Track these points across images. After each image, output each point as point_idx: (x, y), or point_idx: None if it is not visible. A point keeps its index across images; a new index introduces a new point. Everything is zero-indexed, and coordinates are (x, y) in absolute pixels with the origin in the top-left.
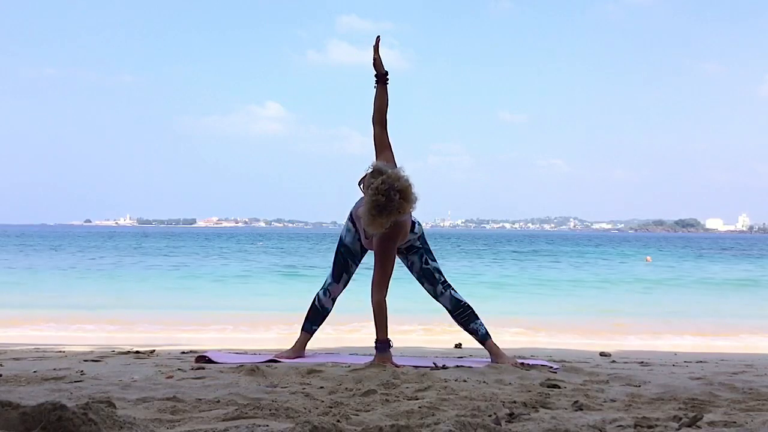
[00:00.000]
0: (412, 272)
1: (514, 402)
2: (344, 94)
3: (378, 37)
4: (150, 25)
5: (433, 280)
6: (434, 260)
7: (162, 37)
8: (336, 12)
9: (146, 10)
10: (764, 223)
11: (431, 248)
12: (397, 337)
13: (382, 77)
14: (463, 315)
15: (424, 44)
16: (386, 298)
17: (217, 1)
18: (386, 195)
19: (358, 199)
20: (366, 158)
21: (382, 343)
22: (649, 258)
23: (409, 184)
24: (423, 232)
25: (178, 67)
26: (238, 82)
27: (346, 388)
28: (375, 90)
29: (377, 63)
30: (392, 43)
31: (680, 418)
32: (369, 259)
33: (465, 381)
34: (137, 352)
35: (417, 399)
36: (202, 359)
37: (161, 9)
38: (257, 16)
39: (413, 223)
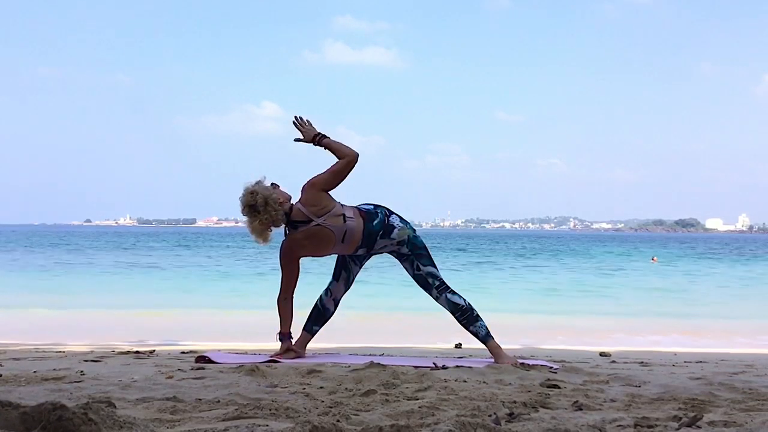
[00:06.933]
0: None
1: (514, 402)
2: (341, 93)
3: (296, 116)
4: (145, 25)
5: (427, 286)
6: (428, 265)
7: (157, 37)
8: (331, 12)
9: (142, 9)
10: (764, 223)
11: (428, 252)
12: (399, 335)
13: (318, 137)
14: (462, 317)
15: (420, 44)
16: (290, 299)
17: (212, 1)
18: (251, 194)
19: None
20: (365, 158)
21: (281, 335)
22: (655, 258)
23: (264, 187)
24: (412, 238)
25: (174, 67)
26: (234, 82)
27: (346, 388)
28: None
29: (308, 132)
30: (388, 43)
31: (680, 418)
32: (377, 260)
33: (465, 381)
34: (137, 352)
35: (417, 399)
36: (202, 359)
37: (157, 8)
38: (253, 16)
39: (392, 227)
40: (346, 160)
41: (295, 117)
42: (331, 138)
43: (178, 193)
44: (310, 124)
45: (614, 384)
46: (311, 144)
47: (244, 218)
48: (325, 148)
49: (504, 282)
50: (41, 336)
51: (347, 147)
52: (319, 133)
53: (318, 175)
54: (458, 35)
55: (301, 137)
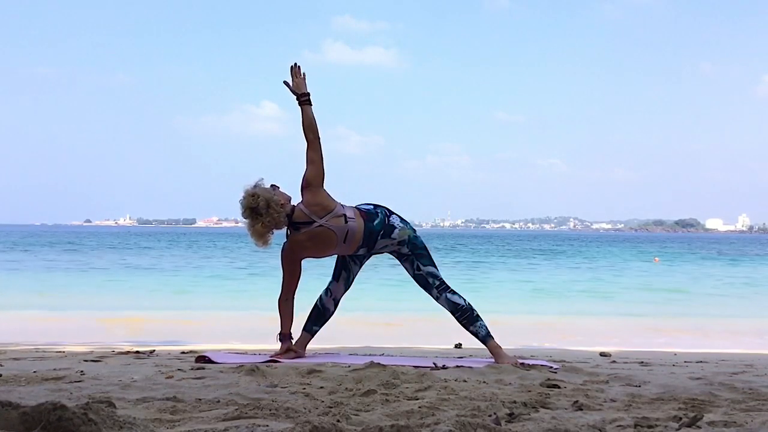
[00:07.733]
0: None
1: (514, 402)
2: (341, 93)
3: (296, 63)
4: (145, 25)
5: (427, 285)
6: (428, 264)
7: (157, 37)
8: (330, 12)
9: (142, 9)
10: (764, 223)
11: (428, 252)
12: (399, 336)
13: (305, 97)
14: (463, 317)
15: (420, 44)
16: (290, 300)
17: (212, 1)
18: (252, 197)
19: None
20: (365, 158)
21: (281, 336)
22: (657, 259)
23: (265, 189)
24: (412, 238)
25: (174, 67)
26: (234, 82)
27: (346, 388)
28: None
29: (299, 85)
30: (388, 44)
31: (680, 418)
32: (377, 260)
33: (465, 381)
34: (137, 352)
35: (417, 399)
36: (202, 359)
37: (156, 8)
38: (252, 16)
39: (393, 227)
40: (316, 144)
41: (295, 63)
42: (312, 108)
43: (177, 193)
44: (305, 79)
45: (614, 384)
46: (293, 95)
47: (245, 221)
48: (301, 111)
49: (504, 282)
50: (41, 336)
51: (316, 128)
52: (308, 93)
53: (306, 172)
54: (458, 35)
55: (291, 84)
